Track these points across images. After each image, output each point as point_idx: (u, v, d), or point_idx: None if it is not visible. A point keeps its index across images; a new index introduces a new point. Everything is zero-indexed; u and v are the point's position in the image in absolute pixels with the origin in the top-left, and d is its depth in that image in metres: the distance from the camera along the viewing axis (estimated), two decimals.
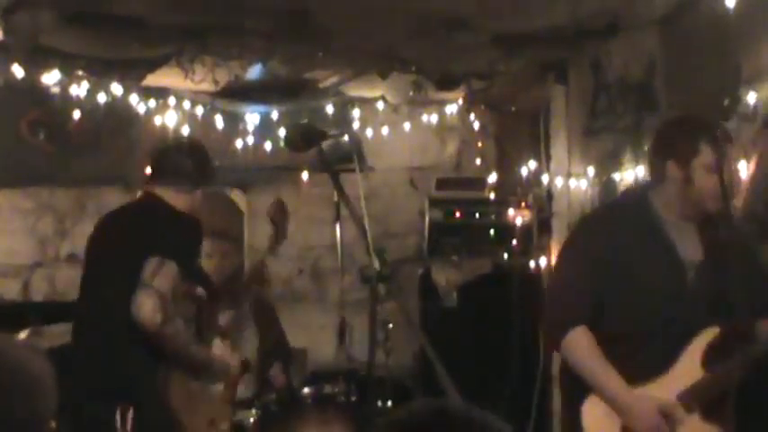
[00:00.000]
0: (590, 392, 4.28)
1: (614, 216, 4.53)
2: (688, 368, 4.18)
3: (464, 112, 8.66)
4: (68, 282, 8.29)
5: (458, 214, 8.29)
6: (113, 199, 8.43)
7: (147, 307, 4.43)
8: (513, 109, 8.49)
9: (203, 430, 4.44)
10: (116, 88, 7.41)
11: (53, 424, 2.33)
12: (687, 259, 4.31)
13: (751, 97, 5.20)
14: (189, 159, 4.99)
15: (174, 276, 4.50)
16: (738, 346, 4.08)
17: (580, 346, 4.31)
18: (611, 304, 4.30)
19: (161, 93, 7.88)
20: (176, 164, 4.99)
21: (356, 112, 8.59)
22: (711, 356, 4.17)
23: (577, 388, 4.32)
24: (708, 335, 4.19)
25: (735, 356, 4.07)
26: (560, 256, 4.73)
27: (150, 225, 4.79)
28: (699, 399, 4.15)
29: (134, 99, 7.65)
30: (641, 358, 4.23)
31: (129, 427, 4.31)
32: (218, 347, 4.73)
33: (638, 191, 4.61)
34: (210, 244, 6.64)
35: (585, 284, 4.34)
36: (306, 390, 5.55)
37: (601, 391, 4.26)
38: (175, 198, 4.89)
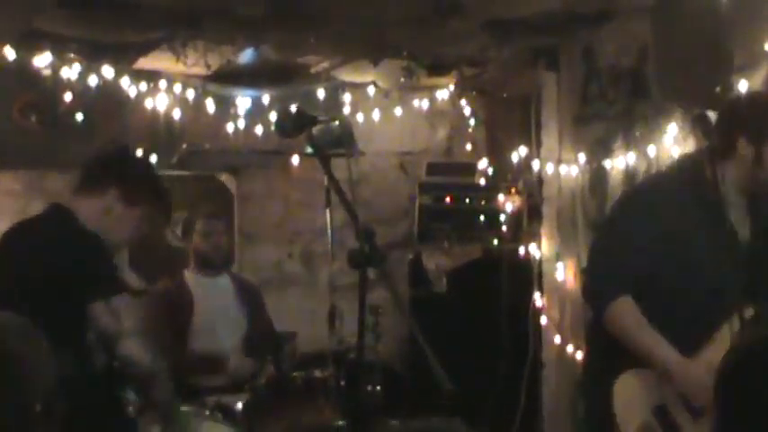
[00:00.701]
0: (622, 372, 4.23)
1: (670, 188, 4.42)
2: (721, 347, 4.04)
3: (455, 97, 8.66)
4: None
5: (448, 200, 8.31)
6: None
7: None
8: (504, 95, 8.50)
9: None
10: (107, 71, 7.39)
11: (38, 407, 2.32)
12: (740, 235, 4.29)
13: (742, 85, 5.21)
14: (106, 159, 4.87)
15: None
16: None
17: (627, 314, 4.26)
18: (658, 277, 4.27)
19: (152, 76, 7.86)
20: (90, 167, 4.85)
21: (347, 97, 8.58)
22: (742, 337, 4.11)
23: (609, 369, 4.28)
24: (742, 315, 4.16)
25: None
26: (609, 224, 4.68)
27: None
28: None
29: (125, 82, 7.63)
30: (684, 332, 4.20)
31: None
32: None
33: (696, 162, 4.45)
34: (206, 224, 6.65)
35: (633, 255, 4.29)
36: (295, 374, 5.54)
37: (652, 358, 4.20)
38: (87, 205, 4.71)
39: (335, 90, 8.45)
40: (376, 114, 8.59)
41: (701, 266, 4.25)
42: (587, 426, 4.65)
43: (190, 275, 6.68)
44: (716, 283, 4.23)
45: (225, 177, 8.75)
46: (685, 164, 4.57)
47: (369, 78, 8.31)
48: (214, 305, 6.59)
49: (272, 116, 7.56)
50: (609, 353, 4.34)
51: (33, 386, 2.34)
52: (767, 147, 4.16)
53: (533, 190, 7.83)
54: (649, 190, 4.61)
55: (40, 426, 2.33)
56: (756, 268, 4.22)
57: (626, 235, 4.39)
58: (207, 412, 5.13)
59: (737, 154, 4.22)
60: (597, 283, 4.45)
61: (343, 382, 6.04)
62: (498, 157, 8.30)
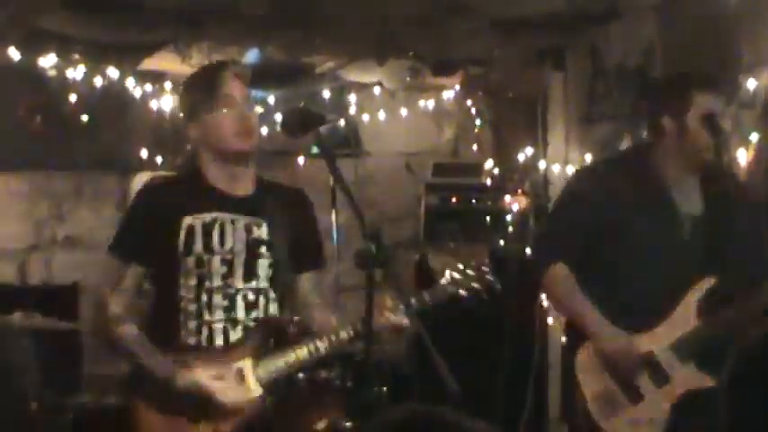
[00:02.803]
0: (584, 341, 4.34)
1: (612, 167, 4.62)
2: (683, 318, 4.25)
3: (461, 97, 8.65)
4: (64, 266, 8.29)
5: (454, 200, 8.28)
6: (110, 183, 8.43)
7: None
8: (511, 95, 8.47)
9: None
10: (113, 72, 7.39)
11: (34, 405, 2.32)
12: (684, 212, 4.38)
13: (750, 84, 5.20)
14: None
15: None
16: (737, 297, 4.14)
17: (559, 280, 4.45)
18: (603, 253, 4.40)
19: (158, 77, 7.87)
20: None
21: (353, 98, 8.58)
22: (707, 307, 4.24)
23: (575, 336, 4.41)
24: (703, 285, 4.26)
25: (731, 307, 4.14)
26: (555, 201, 4.83)
27: None
28: (693, 348, 4.21)
29: (131, 83, 7.63)
30: (637, 309, 4.30)
31: None
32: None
33: (637, 147, 4.69)
34: None
35: (571, 225, 4.48)
36: (301, 375, 5.52)
37: (581, 323, 4.37)
38: None
39: (341, 90, 8.44)
40: (382, 115, 8.58)
41: (645, 244, 4.35)
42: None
43: None
44: (664, 260, 4.33)
45: None
46: (630, 147, 5.00)
47: (374, 78, 8.30)
48: None
49: (278, 116, 7.54)
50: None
51: (28, 387, 2.35)
52: (689, 120, 4.31)
53: (540, 190, 7.81)
54: (595, 169, 4.92)
55: (37, 422, 2.34)
56: (713, 239, 4.31)
57: (567, 207, 4.62)
58: None
59: (664, 132, 4.39)
60: (534, 254, 4.74)
61: (349, 383, 6.02)
62: (504, 158, 8.28)
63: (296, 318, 4.19)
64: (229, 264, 4.09)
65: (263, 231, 4.15)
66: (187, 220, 4.05)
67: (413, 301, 4.03)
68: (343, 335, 4.03)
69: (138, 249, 4.06)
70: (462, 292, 4.16)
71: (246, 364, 4.00)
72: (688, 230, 4.36)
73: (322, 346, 4.04)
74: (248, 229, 4.13)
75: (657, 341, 4.24)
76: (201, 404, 3.94)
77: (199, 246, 4.05)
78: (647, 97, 4.63)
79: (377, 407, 6.43)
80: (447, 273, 4.18)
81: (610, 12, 6.52)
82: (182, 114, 4.27)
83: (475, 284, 4.18)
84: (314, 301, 4.29)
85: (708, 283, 4.26)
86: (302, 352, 4.03)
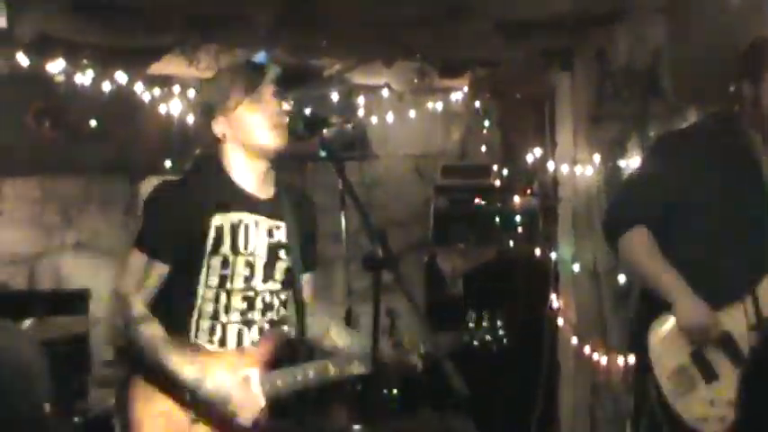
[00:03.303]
0: (657, 316, 4.24)
1: (698, 135, 4.51)
2: (766, 298, 4.14)
3: (469, 99, 8.64)
4: (74, 271, 8.30)
5: (463, 202, 8.28)
6: (119, 188, 8.44)
7: None
8: (518, 96, 8.47)
9: None
10: (121, 77, 7.39)
11: (47, 408, 2.33)
12: None
13: None
14: None
15: None
16: None
17: (638, 243, 4.34)
18: (685, 224, 4.29)
19: (166, 81, 7.87)
20: None
21: (361, 100, 8.58)
22: None
23: (646, 312, 4.32)
24: None
25: None
26: (636, 168, 4.73)
27: None
28: None
29: (139, 87, 7.63)
30: (721, 282, 4.21)
31: None
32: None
33: (719, 115, 4.54)
34: None
35: (654, 190, 4.36)
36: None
37: (659, 286, 4.25)
38: None
39: (349, 93, 8.44)
40: (390, 117, 8.57)
41: (731, 213, 4.24)
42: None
43: None
44: (749, 230, 4.23)
45: None
46: (711, 117, 4.63)
47: (382, 81, 8.30)
48: None
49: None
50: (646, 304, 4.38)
51: (42, 389, 2.36)
52: (762, 88, 4.25)
53: (548, 191, 7.81)
54: (682, 135, 4.69)
55: (51, 424, 2.35)
56: None
57: (650, 169, 4.49)
58: None
59: (745, 98, 4.32)
60: (613, 215, 4.54)
61: (359, 387, 6.03)
62: (513, 159, 8.28)
63: (306, 337, 4.18)
64: (251, 266, 4.07)
65: (282, 234, 4.15)
66: (216, 220, 4.02)
67: (426, 345, 4.04)
68: (355, 368, 4.04)
69: (166, 246, 4.01)
70: (476, 343, 4.17)
71: (254, 373, 3.99)
72: None
73: (332, 370, 4.04)
74: (270, 232, 4.12)
75: (737, 319, 4.15)
76: (215, 409, 3.94)
77: (227, 246, 4.01)
78: (737, 62, 4.49)
79: (386, 411, 6.45)
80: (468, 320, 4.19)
81: (617, 12, 6.52)
82: (207, 108, 4.22)
83: (488, 338, 4.19)
84: (313, 305, 4.29)
85: None
86: (312, 371, 4.03)
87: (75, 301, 7.69)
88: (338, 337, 4.24)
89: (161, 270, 4.01)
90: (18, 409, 2.26)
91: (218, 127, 4.11)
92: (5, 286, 7.95)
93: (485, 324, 4.19)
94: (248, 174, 4.11)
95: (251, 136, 4.06)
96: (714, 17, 5.50)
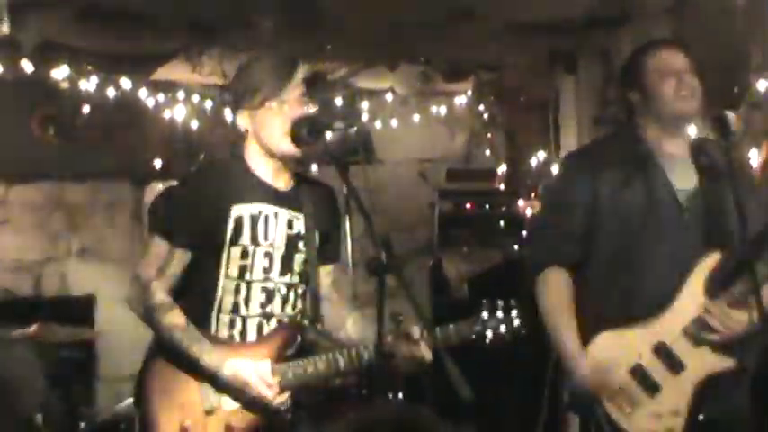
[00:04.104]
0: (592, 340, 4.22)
1: (600, 150, 4.50)
2: (691, 299, 4.11)
3: (473, 103, 8.64)
4: (80, 276, 8.31)
5: (468, 206, 8.27)
6: (124, 193, 8.45)
7: None
8: (523, 99, 8.47)
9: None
10: (125, 83, 7.41)
11: (39, 417, 2.33)
12: (680, 188, 4.24)
13: (761, 85, 5.19)
14: None
15: None
16: (741, 271, 3.99)
17: (548, 287, 4.34)
18: (601, 241, 4.26)
19: (170, 87, 7.88)
20: None
21: (365, 104, 8.58)
22: (713, 284, 4.10)
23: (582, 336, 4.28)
24: (708, 262, 4.12)
25: (738, 283, 4.00)
26: (542, 197, 4.74)
27: None
28: (705, 330, 4.07)
29: (143, 93, 7.65)
30: (643, 293, 4.17)
31: None
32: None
33: (625, 126, 4.53)
34: None
35: (561, 225, 4.34)
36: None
37: (554, 340, 4.31)
38: None
39: (353, 97, 8.44)
40: (394, 121, 8.58)
41: (641, 224, 4.21)
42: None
43: None
44: (663, 238, 4.19)
45: None
46: (621, 128, 4.65)
47: (386, 85, 8.30)
48: None
49: None
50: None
51: (30, 400, 2.36)
52: (649, 83, 4.26)
53: None
54: (581, 157, 4.70)
55: None
56: (709, 215, 4.18)
57: (555, 205, 4.49)
58: None
59: (636, 106, 4.33)
60: (528, 256, 4.54)
61: (364, 391, 6.02)
62: (518, 162, 8.28)
63: (319, 326, 4.17)
64: (270, 257, 4.07)
65: (300, 226, 4.14)
66: (236, 210, 4.02)
67: (438, 334, 4.01)
68: (365, 357, 4.01)
69: (188, 233, 4.02)
70: (488, 333, 4.12)
71: (267, 363, 4.00)
72: (685, 206, 4.22)
73: (342, 361, 4.04)
74: (289, 224, 4.12)
75: (668, 328, 4.11)
76: (234, 396, 3.97)
77: (246, 237, 4.02)
78: (621, 75, 4.56)
79: None
80: (482, 313, 4.14)
81: (621, 15, 6.52)
82: (233, 100, 4.21)
83: (503, 328, 4.15)
84: (332, 296, 4.28)
85: (712, 259, 4.11)
86: (322, 363, 4.03)
87: (81, 306, 7.72)
88: (354, 329, 4.22)
89: (183, 257, 4.02)
90: (4, 421, 2.25)
91: (242, 121, 4.11)
92: (11, 292, 7.97)
93: (499, 314, 4.15)
94: (268, 166, 4.11)
95: (268, 138, 4.06)
96: (718, 18, 5.50)
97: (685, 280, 4.14)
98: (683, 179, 4.26)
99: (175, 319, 3.96)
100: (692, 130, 4.35)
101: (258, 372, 3.95)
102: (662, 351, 4.12)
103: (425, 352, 3.98)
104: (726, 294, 4.05)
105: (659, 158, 4.27)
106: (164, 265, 4.00)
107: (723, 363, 4.06)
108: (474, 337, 4.09)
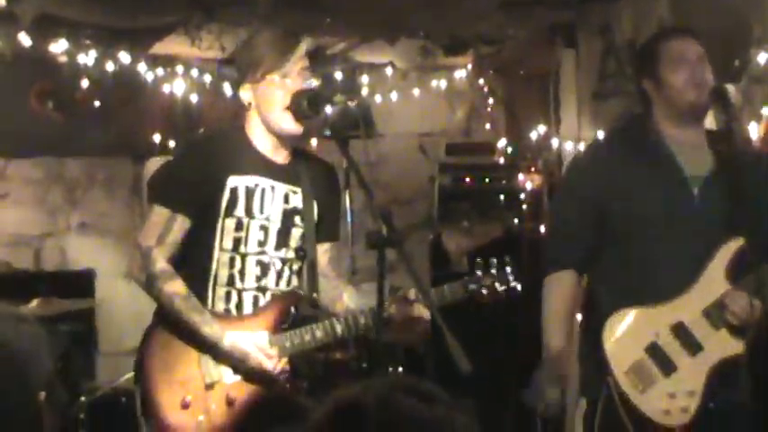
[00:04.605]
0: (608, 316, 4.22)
1: (609, 144, 4.57)
2: (713, 283, 4.12)
3: (473, 77, 8.62)
4: (79, 251, 8.31)
5: (468, 180, 8.26)
6: (123, 168, 8.44)
7: None
8: (522, 73, 8.45)
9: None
10: (124, 57, 7.39)
11: (42, 395, 2.32)
12: (692, 174, 4.25)
13: (761, 58, 5.18)
14: None
15: None
16: (763, 257, 3.99)
17: (552, 291, 4.40)
18: (615, 232, 4.28)
19: (169, 61, 7.86)
20: None
21: (364, 79, 8.56)
22: (736, 269, 4.12)
23: (595, 313, 4.32)
24: (731, 248, 4.14)
25: (760, 268, 3.99)
26: (554, 196, 4.76)
27: None
28: (725, 313, 4.08)
29: (142, 67, 7.63)
30: (661, 280, 4.18)
31: None
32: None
33: (632, 117, 4.65)
34: None
35: (572, 227, 4.37)
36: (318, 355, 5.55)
37: (545, 343, 4.40)
38: None
39: (353, 71, 8.43)
40: (394, 95, 8.57)
41: (654, 212, 4.22)
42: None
43: None
44: (677, 225, 4.20)
45: None
46: (630, 117, 4.76)
47: (386, 59, 8.29)
48: None
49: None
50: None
51: (37, 376, 2.35)
52: (662, 72, 4.25)
53: (553, 168, 7.79)
54: (589, 154, 4.76)
55: (46, 413, 2.34)
56: (726, 201, 4.16)
57: (565, 206, 4.52)
58: None
59: (649, 95, 4.32)
60: (548, 252, 4.57)
61: (364, 364, 6.04)
62: (517, 136, 8.27)
63: (315, 294, 4.18)
64: (266, 231, 4.08)
65: (298, 201, 4.14)
66: (232, 180, 4.03)
67: (433, 294, 4.01)
68: (362, 320, 4.02)
69: (187, 199, 4.03)
70: (484, 291, 4.13)
71: (264, 335, 4.00)
72: (698, 193, 4.23)
73: (339, 327, 4.05)
74: (286, 198, 4.12)
75: (687, 309, 4.12)
76: (233, 367, 3.99)
77: (241, 208, 4.03)
78: (634, 62, 4.55)
79: None
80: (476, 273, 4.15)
81: None
82: (238, 73, 4.22)
83: (498, 286, 4.16)
84: (330, 273, 4.29)
85: (735, 245, 4.12)
86: (320, 331, 4.04)
87: (81, 281, 7.72)
88: (350, 302, 4.22)
89: (184, 224, 4.03)
90: (8, 398, 2.25)
91: (245, 94, 4.11)
92: (11, 267, 7.97)
93: (493, 272, 4.14)
94: (268, 140, 4.11)
95: (270, 113, 4.06)
96: None
97: (707, 263, 4.15)
98: (696, 166, 4.26)
99: (176, 287, 3.97)
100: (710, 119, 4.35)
101: (257, 342, 3.97)
102: (680, 331, 4.13)
103: (423, 311, 3.99)
104: (746, 281, 4.06)
105: (672, 147, 4.28)
106: (164, 233, 4.00)
107: (741, 347, 3.97)
108: (469, 295, 4.11)
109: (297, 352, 4.04)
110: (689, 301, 4.14)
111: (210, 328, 3.95)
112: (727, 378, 4.04)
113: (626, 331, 4.17)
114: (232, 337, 3.95)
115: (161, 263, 3.98)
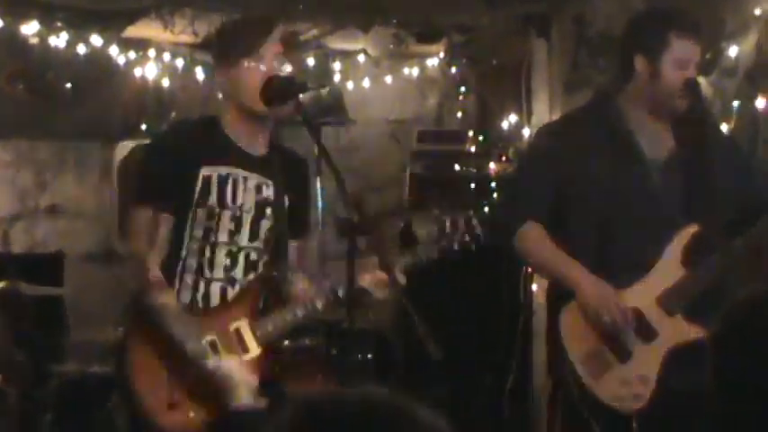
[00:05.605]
0: (568, 301, 4.18)
1: (576, 118, 4.48)
2: (668, 269, 4.12)
3: (445, 65, 8.63)
4: (48, 234, 8.28)
5: (439, 167, 8.28)
6: (93, 151, 8.41)
7: None
8: (495, 62, 8.46)
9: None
10: (96, 40, 7.36)
11: None
12: (652, 158, 4.22)
13: (732, 50, 5.20)
14: None
15: None
16: (719, 242, 4.02)
17: (532, 238, 4.27)
18: (573, 211, 4.25)
19: (141, 44, 7.84)
20: None
21: (337, 65, 8.56)
22: (691, 255, 4.11)
23: (557, 299, 4.27)
24: (686, 233, 4.12)
25: (716, 253, 4.03)
26: (518, 163, 4.72)
27: None
28: (680, 299, 4.09)
29: (114, 51, 7.60)
30: (616, 263, 4.16)
31: None
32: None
33: (601, 93, 4.51)
34: None
35: (537, 182, 4.31)
36: (286, 342, 5.54)
37: (561, 277, 4.22)
38: None
39: (325, 58, 8.43)
40: (366, 82, 8.56)
41: (612, 193, 4.18)
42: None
43: None
44: (634, 208, 4.19)
45: None
46: (597, 94, 4.59)
47: (358, 46, 8.29)
48: None
49: None
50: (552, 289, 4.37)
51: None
52: (664, 62, 4.13)
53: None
54: (558, 124, 4.76)
55: (7, 395, 2.33)
56: (686, 187, 4.17)
57: (531, 165, 4.50)
58: None
59: (636, 72, 4.20)
60: (503, 213, 4.54)
61: (334, 351, 6.05)
62: (489, 125, 8.28)
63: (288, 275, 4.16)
64: (237, 221, 4.05)
65: (270, 192, 4.12)
66: (204, 170, 4.00)
67: (404, 259, 4.02)
68: (339, 291, 3.99)
69: (167, 197, 3.99)
70: (455, 246, 4.14)
71: (243, 324, 3.98)
72: (657, 176, 4.20)
73: (299, 311, 4.03)
74: (258, 189, 4.10)
75: (642, 296, 4.11)
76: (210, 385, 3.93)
77: (213, 198, 4.00)
78: (623, 33, 4.38)
79: (361, 374, 6.47)
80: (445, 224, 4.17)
81: None
82: (213, 60, 4.19)
83: (465, 237, 4.16)
84: (297, 267, 4.27)
85: (690, 230, 4.11)
86: (300, 309, 4.02)
87: (50, 264, 7.69)
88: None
89: (168, 222, 4.00)
90: None
91: (220, 79, 4.10)
92: None
93: (461, 226, 4.15)
94: (241, 129, 4.08)
95: (243, 96, 4.02)
96: None
97: (662, 249, 4.14)
98: (657, 149, 4.24)
99: (166, 299, 3.93)
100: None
101: (244, 377, 3.93)
102: (636, 317, 4.13)
103: (399, 277, 3.96)
104: (702, 267, 4.07)
105: (634, 128, 4.24)
106: (153, 235, 3.97)
107: (695, 332, 4.02)
108: (438, 252, 4.13)
109: (281, 333, 4.03)
110: (645, 288, 4.14)
111: (196, 346, 3.89)
112: (687, 359, 4.02)
113: (582, 319, 4.18)
114: (218, 360, 3.91)
115: (154, 271, 3.94)
